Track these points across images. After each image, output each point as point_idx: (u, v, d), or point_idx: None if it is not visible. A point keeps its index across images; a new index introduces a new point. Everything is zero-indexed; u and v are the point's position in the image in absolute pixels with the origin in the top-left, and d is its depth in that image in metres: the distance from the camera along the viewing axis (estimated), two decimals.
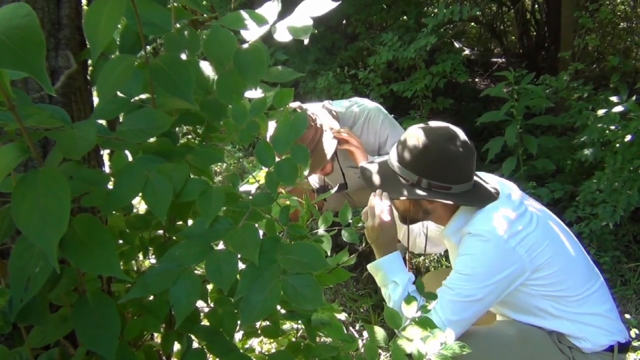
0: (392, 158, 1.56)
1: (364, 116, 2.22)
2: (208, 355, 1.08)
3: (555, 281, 1.44)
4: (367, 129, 2.21)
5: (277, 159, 1.06)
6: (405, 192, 1.49)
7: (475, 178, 1.54)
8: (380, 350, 1.34)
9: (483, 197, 1.49)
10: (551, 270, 1.43)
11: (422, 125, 1.53)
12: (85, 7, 1.34)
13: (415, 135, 1.49)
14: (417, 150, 1.46)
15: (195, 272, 0.91)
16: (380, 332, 1.26)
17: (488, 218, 1.44)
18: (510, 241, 1.39)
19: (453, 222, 1.55)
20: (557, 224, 1.56)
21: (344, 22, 4.84)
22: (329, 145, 2.01)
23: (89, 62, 1.28)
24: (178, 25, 1.01)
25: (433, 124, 1.54)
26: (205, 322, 1.17)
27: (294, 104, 1.96)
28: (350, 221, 1.45)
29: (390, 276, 1.52)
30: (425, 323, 1.25)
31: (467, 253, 1.44)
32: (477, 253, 1.42)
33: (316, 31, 2.21)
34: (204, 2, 1.11)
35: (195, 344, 1.14)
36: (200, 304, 1.19)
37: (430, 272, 2.00)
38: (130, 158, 1.08)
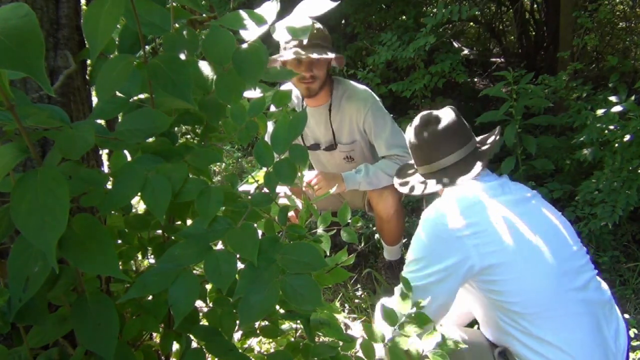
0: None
1: (350, 89, 2.39)
2: (207, 355, 1.08)
3: (506, 290, 1.30)
4: (351, 101, 2.36)
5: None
6: (404, 187, 1.67)
7: (474, 153, 1.56)
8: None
9: (453, 174, 1.51)
10: (501, 277, 1.29)
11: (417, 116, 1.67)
12: (84, 7, 1.34)
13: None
14: (409, 144, 1.67)
15: (194, 272, 0.91)
16: (377, 331, 1.26)
17: (444, 202, 1.39)
18: (457, 231, 1.31)
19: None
20: (550, 230, 1.39)
21: (343, 21, 4.85)
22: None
23: (88, 62, 1.28)
24: (177, 25, 1.01)
25: (424, 113, 1.65)
26: (204, 322, 1.17)
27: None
28: (349, 221, 1.45)
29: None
30: (420, 320, 1.23)
31: (414, 236, 1.42)
32: (417, 240, 1.41)
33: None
34: (203, 2, 1.11)
35: (194, 344, 1.15)
36: (199, 303, 1.19)
37: None
38: (129, 158, 1.08)
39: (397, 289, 1.44)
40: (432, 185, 1.54)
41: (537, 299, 1.29)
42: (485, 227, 1.31)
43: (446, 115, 1.58)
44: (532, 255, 1.30)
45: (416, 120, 1.62)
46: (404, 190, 1.66)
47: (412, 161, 1.74)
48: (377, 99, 2.37)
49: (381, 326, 1.40)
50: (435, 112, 1.60)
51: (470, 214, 1.33)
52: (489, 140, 1.61)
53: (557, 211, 1.48)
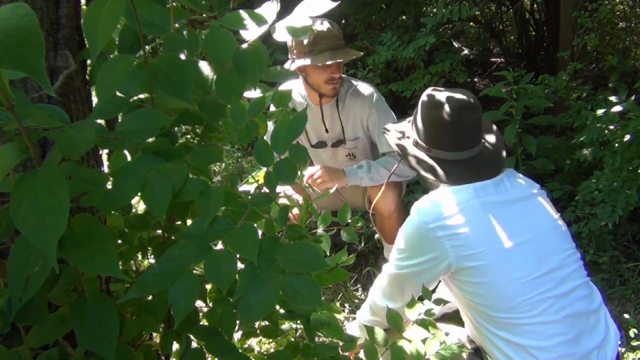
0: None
1: (355, 86, 2.42)
2: (207, 355, 1.08)
3: (479, 292, 1.32)
4: (355, 98, 2.38)
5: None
6: (394, 142, 1.60)
7: (477, 162, 1.46)
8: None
9: (454, 173, 1.44)
10: (475, 279, 1.31)
11: (439, 89, 1.54)
12: (84, 7, 1.34)
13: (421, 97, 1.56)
14: (416, 109, 1.56)
15: (194, 272, 0.91)
16: (380, 333, 1.26)
17: (430, 199, 1.40)
18: (437, 231, 1.32)
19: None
20: (537, 234, 1.36)
21: (343, 21, 4.84)
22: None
23: (88, 62, 1.28)
24: (177, 25, 1.02)
25: (446, 90, 1.52)
26: (204, 322, 1.17)
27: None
28: (350, 221, 1.45)
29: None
30: (426, 324, 1.25)
31: (403, 225, 1.46)
32: (403, 231, 1.45)
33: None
34: (203, 2, 1.11)
35: (194, 344, 1.15)
36: (199, 303, 1.19)
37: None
38: (129, 158, 1.08)
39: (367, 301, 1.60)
40: (432, 171, 1.48)
41: (508, 304, 1.28)
42: (466, 229, 1.30)
43: (475, 109, 1.46)
44: (511, 260, 1.29)
45: (445, 98, 1.46)
46: (390, 139, 1.62)
47: (408, 125, 1.62)
48: (381, 96, 2.39)
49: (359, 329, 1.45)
50: (468, 99, 1.45)
51: (454, 215, 1.33)
52: (499, 160, 1.52)
53: (556, 212, 1.45)
